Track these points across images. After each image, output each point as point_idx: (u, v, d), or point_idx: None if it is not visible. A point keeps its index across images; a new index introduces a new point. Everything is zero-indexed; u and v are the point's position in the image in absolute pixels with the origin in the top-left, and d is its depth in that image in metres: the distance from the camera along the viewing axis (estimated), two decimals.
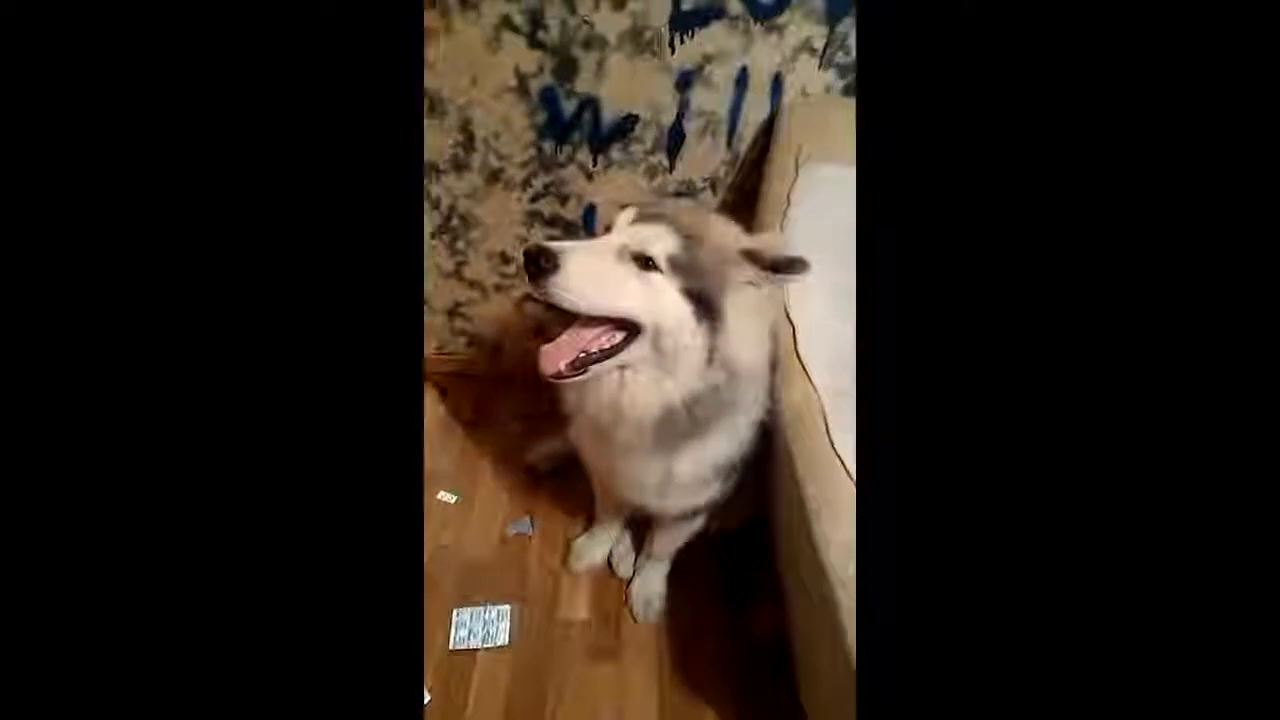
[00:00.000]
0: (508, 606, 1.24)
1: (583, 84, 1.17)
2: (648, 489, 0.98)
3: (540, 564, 1.33)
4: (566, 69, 1.16)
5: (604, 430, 0.89)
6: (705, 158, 1.26)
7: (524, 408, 1.59)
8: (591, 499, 1.32)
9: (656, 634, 1.23)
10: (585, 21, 1.09)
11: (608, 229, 0.82)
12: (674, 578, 1.28)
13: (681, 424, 0.86)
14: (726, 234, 0.85)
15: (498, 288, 1.51)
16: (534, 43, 1.12)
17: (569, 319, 0.82)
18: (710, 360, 0.80)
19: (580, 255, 0.75)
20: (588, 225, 1.37)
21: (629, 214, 0.83)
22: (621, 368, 0.82)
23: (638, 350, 0.80)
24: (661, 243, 0.78)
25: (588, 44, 1.12)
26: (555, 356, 0.80)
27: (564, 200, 1.34)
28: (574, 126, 1.23)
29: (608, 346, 0.80)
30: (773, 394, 0.93)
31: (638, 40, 1.12)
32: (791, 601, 1.12)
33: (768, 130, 1.20)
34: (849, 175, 1.08)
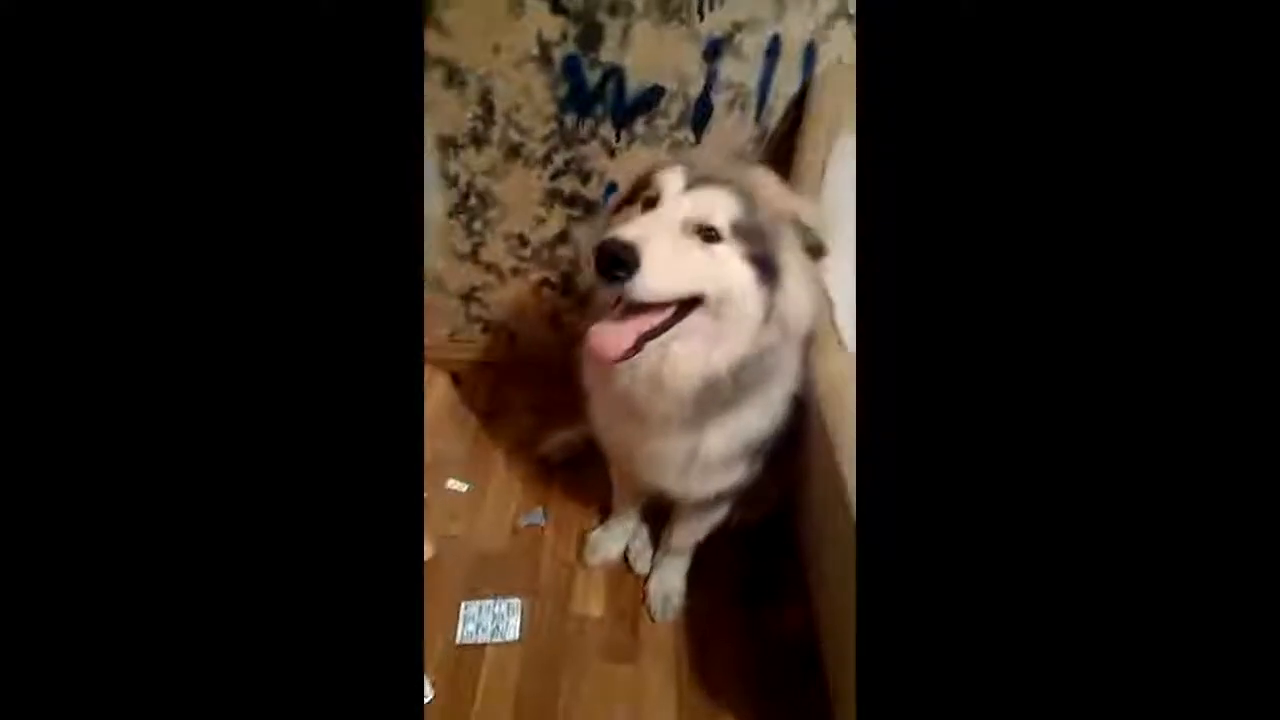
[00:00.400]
0: (518, 600, 1.18)
1: (607, 53, 1.13)
2: (672, 470, 0.92)
3: (553, 557, 1.26)
4: (591, 37, 1.11)
5: (636, 405, 0.83)
6: (733, 132, 1.21)
7: (539, 397, 1.54)
8: (608, 491, 1.26)
9: (674, 633, 1.15)
10: None
11: (651, 201, 0.77)
12: (693, 575, 1.21)
13: (723, 393, 0.80)
14: (776, 190, 0.81)
15: (515, 271, 1.46)
16: (557, 8, 1.08)
17: (606, 303, 0.76)
18: (767, 319, 0.77)
19: (657, 244, 0.69)
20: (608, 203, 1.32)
21: (676, 179, 0.77)
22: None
23: (696, 320, 0.75)
24: (724, 210, 0.74)
25: (613, 9, 1.08)
26: (615, 341, 0.73)
27: (585, 178, 1.29)
28: (597, 98, 1.19)
29: (667, 319, 0.75)
30: (806, 367, 0.88)
31: (665, 6, 1.07)
32: (820, 594, 1.05)
33: (799, 103, 1.14)
34: None
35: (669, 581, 1.20)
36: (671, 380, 0.79)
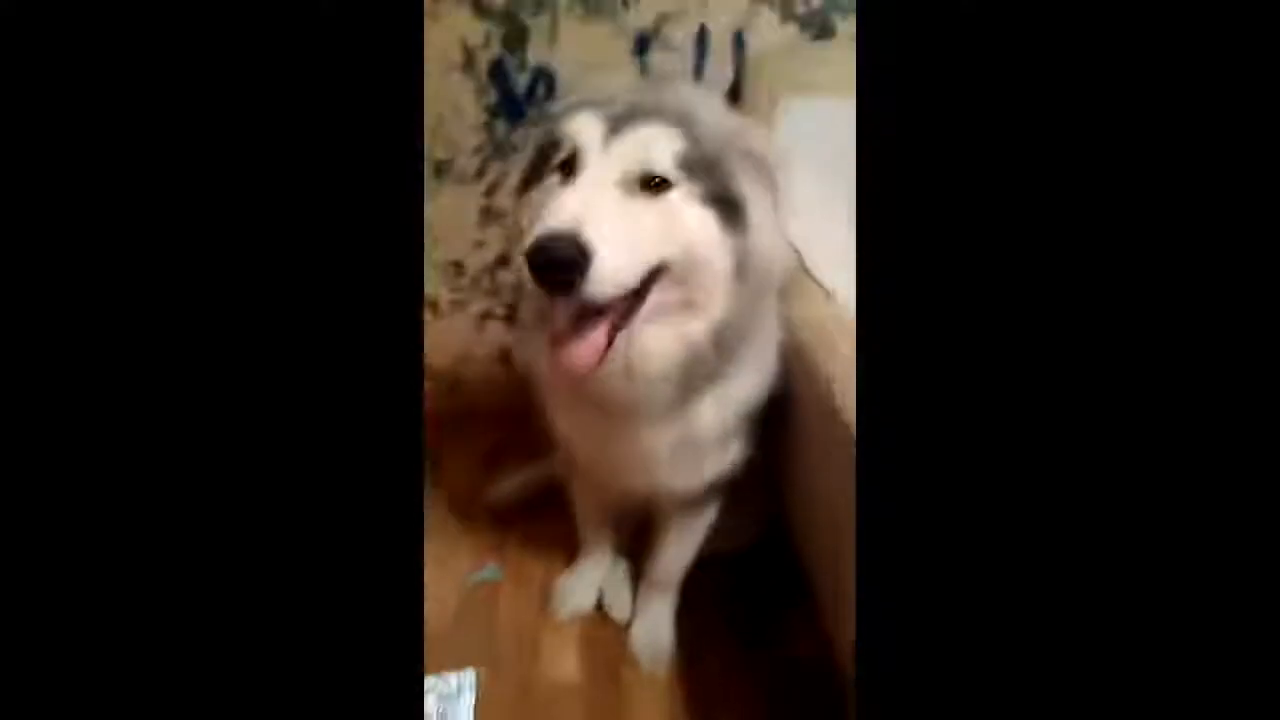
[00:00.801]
0: (471, 673, 0.95)
1: (534, 53, 1.10)
2: (662, 462, 0.76)
3: (513, 616, 1.05)
4: (516, 37, 1.09)
5: (612, 401, 0.69)
6: None
7: (486, 444, 1.37)
8: (573, 534, 1.08)
9: (669, 688, 0.94)
10: None
11: (568, 164, 0.62)
12: (681, 617, 1.01)
13: (707, 363, 0.67)
14: (718, 110, 0.70)
15: (454, 305, 1.34)
16: (479, 9, 1.06)
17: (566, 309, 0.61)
18: (739, 272, 0.64)
19: (600, 221, 0.55)
20: None
21: (593, 125, 0.62)
22: None
23: (662, 291, 0.62)
24: (665, 148, 0.61)
25: (538, 7, 1.06)
26: (585, 350, 0.59)
27: None
28: (529, 102, 1.14)
29: (631, 302, 0.61)
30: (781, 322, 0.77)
31: (589, 1, 1.06)
32: (839, 609, 0.87)
33: (735, 89, 1.12)
34: (829, 105, 0.99)
35: (656, 626, 1.00)
36: (647, 367, 0.65)
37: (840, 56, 1.04)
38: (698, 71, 1.13)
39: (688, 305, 0.64)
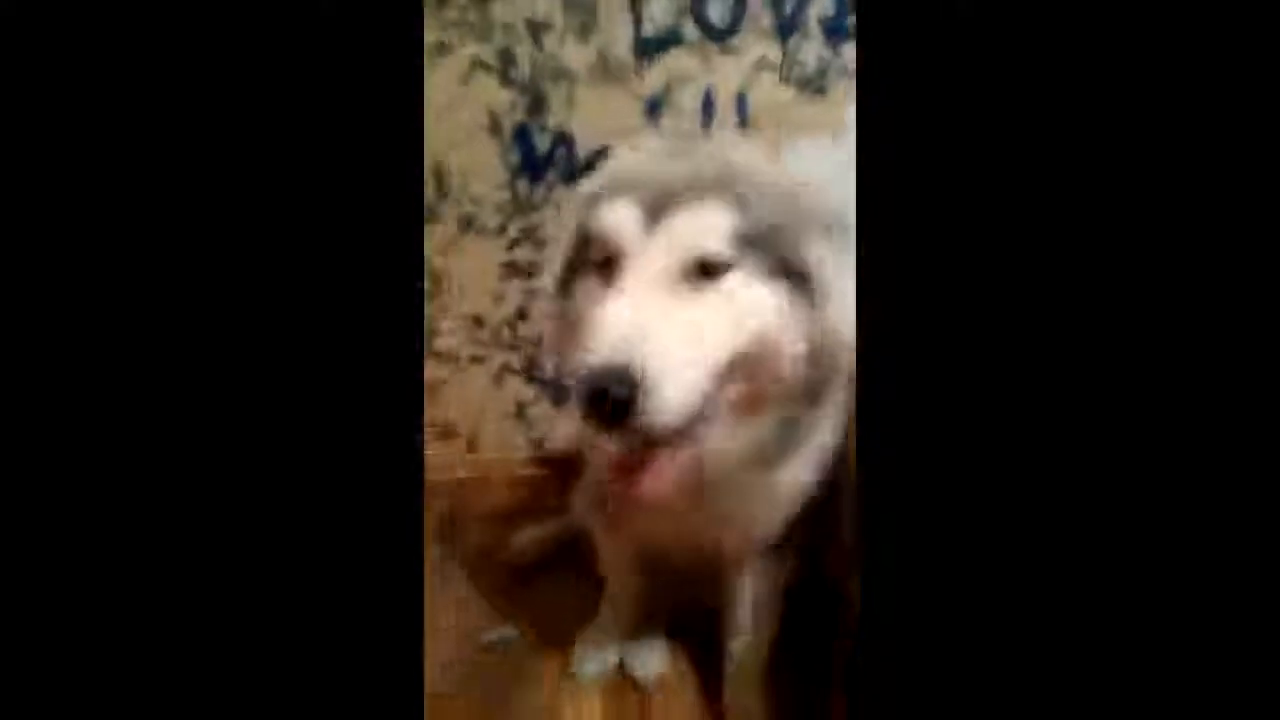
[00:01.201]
0: None
1: (554, 118, 1.20)
2: (732, 520, 0.71)
3: (531, 680, 0.95)
4: (537, 104, 1.19)
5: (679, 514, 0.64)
6: None
7: (502, 503, 1.32)
8: (593, 592, 1.00)
9: None
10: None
11: (608, 263, 0.56)
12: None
13: (780, 445, 0.62)
14: (765, 165, 0.64)
15: (474, 360, 1.35)
16: (505, 79, 1.17)
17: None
18: (813, 357, 0.57)
19: (656, 337, 0.49)
20: None
21: (629, 215, 0.55)
22: None
23: (730, 392, 0.56)
24: (718, 227, 0.54)
25: (556, 76, 1.17)
26: (659, 481, 0.54)
27: (541, 246, 1.27)
28: (549, 163, 1.22)
29: (698, 417, 0.54)
30: None
31: (604, 69, 1.17)
32: None
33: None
34: (829, 143, 1.05)
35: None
36: (716, 479, 0.60)
37: (833, 107, 1.12)
38: (705, 130, 1.21)
39: (759, 399, 0.58)
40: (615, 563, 0.94)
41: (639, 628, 0.98)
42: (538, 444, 1.43)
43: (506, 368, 1.37)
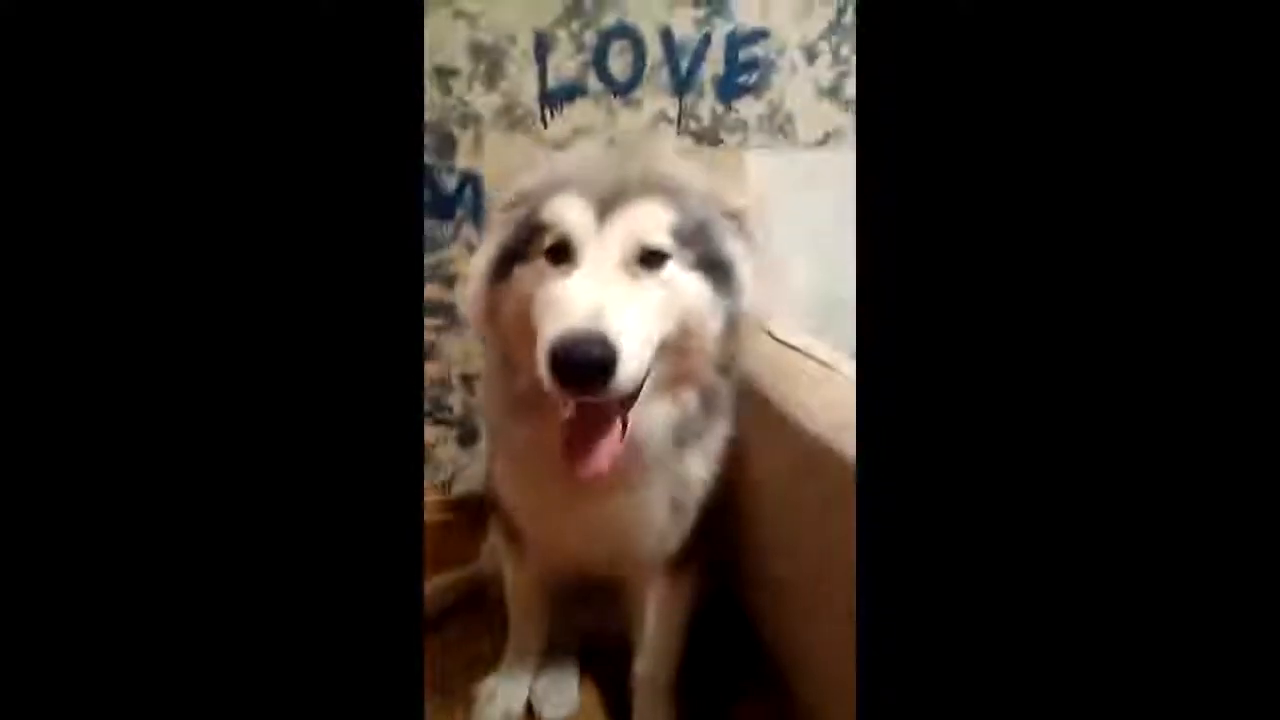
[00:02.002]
0: None
1: (462, 159, 1.22)
2: (650, 523, 0.73)
3: None
4: (445, 146, 1.21)
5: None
6: None
7: None
8: (500, 639, 0.96)
9: None
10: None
11: (561, 249, 0.61)
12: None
13: (697, 423, 0.68)
14: (692, 169, 0.70)
15: None
16: None
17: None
18: (728, 334, 0.65)
19: (623, 315, 0.54)
20: None
21: (582, 210, 0.61)
22: None
23: (658, 369, 0.62)
24: (662, 223, 0.61)
25: (463, 121, 1.20)
26: (604, 449, 0.58)
27: (449, 282, 1.27)
28: (457, 202, 1.24)
29: (635, 393, 0.59)
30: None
31: (510, 116, 1.22)
32: (802, 674, 0.78)
33: None
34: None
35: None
36: (647, 445, 0.65)
37: (727, 155, 1.23)
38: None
39: (683, 375, 0.65)
40: (524, 592, 0.92)
41: (548, 664, 0.96)
42: (443, 488, 1.39)
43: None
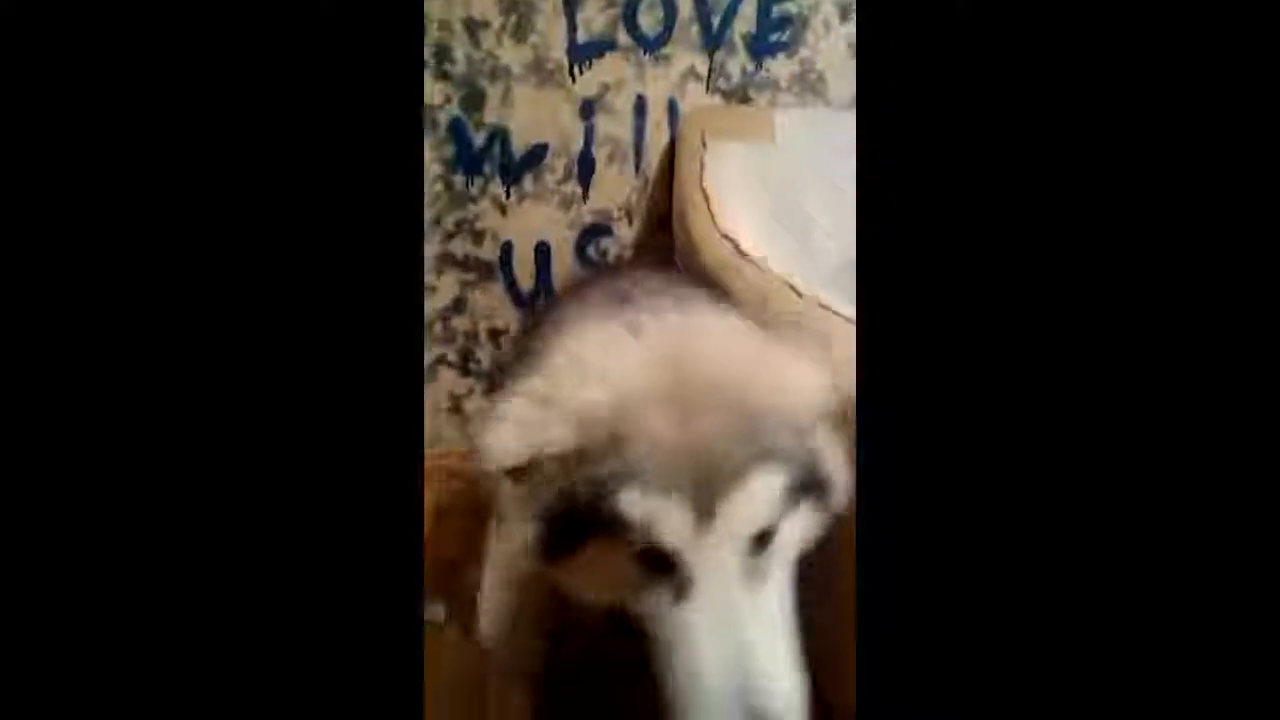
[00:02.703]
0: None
1: (490, 114, 1.23)
2: None
3: None
4: (473, 100, 1.22)
5: None
6: (616, 185, 1.30)
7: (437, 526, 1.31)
8: None
9: None
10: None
11: (655, 554, 0.47)
12: None
13: None
14: (755, 362, 0.54)
15: None
16: (440, 74, 1.19)
17: None
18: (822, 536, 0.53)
19: (780, 663, 0.46)
20: (504, 265, 1.31)
21: (667, 506, 0.46)
22: None
23: None
24: (774, 494, 0.48)
25: (493, 75, 1.20)
26: None
27: (478, 238, 1.30)
28: (484, 157, 1.25)
29: None
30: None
31: (540, 70, 1.21)
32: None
33: (673, 148, 1.27)
34: (753, 148, 1.14)
35: None
36: None
37: (758, 114, 1.21)
38: (639, 136, 1.28)
39: None
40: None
41: None
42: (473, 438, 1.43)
43: (442, 360, 1.37)
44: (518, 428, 0.50)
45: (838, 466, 0.53)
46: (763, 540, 0.48)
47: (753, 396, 0.50)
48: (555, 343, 0.58)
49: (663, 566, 0.47)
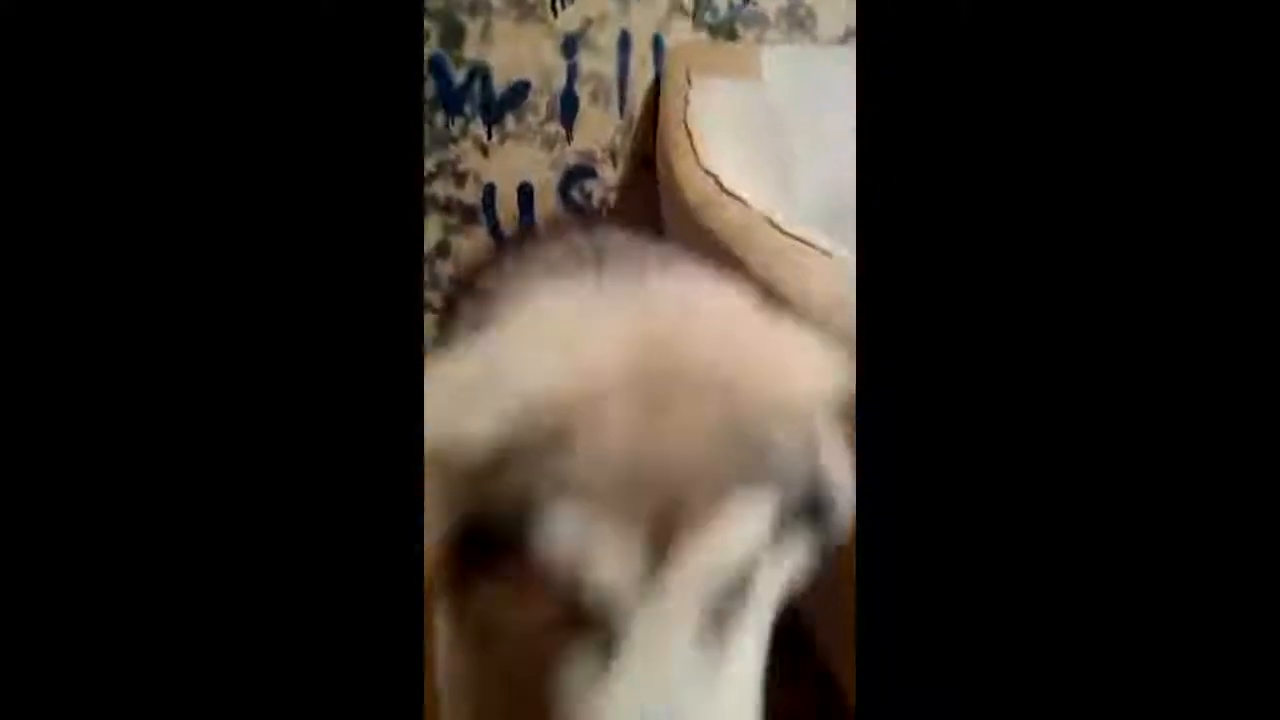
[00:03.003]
0: None
1: (470, 50, 1.19)
2: None
3: None
4: (453, 35, 1.18)
5: None
6: (600, 125, 1.27)
7: None
8: None
9: None
10: None
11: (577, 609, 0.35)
12: None
13: None
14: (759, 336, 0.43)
15: None
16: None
17: None
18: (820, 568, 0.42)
19: None
20: (487, 208, 1.30)
21: (612, 539, 0.34)
22: None
23: None
24: (760, 525, 0.36)
25: (473, 9, 1.17)
26: None
27: (460, 180, 1.28)
28: (465, 95, 1.22)
29: None
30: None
31: (521, 4, 1.18)
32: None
33: (658, 86, 1.24)
34: (738, 85, 1.12)
35: None
36: None
37: (745, 51, 1.19)
38: (622, 73, 1.25)
39: None
40: None
41: None
42: None
43: (427, 306, 1.37)
44: (435, 406, 0.36)
45: (843, 483, 0.41)
46: (735, 585, 0.36)
47: (746, 391, 0.38)
48: (504, 299, 0.46)
49: (594, 611, 0.35)
